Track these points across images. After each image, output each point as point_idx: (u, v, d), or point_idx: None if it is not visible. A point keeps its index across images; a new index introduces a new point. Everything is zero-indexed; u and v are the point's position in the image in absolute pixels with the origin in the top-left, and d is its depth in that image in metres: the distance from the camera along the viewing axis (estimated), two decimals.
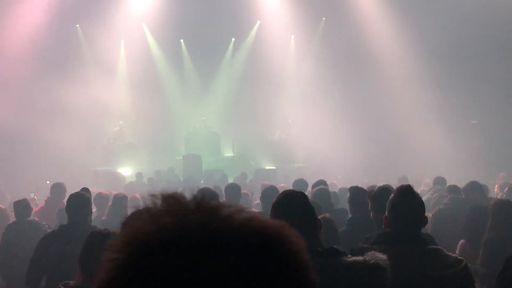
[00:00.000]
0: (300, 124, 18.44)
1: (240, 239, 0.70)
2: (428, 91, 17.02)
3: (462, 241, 5.16)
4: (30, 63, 16.10)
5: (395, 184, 8.56)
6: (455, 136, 16.10)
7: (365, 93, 18.06)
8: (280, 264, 0.70)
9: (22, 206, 5.98)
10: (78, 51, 18.68)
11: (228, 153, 19.36)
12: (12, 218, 6.36)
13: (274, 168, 16.68)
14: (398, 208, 2.85)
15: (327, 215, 4.11)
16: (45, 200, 7.62)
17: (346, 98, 17.67)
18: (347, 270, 2.36)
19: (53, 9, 16.95)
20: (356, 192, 4.78)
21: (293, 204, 2.62)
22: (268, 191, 5.71)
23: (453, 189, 6.43)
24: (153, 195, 0.74)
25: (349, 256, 2.50)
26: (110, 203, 6.51)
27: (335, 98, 17.77)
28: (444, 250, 2.83)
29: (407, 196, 2.87)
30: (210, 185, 7.47)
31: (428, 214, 6.18)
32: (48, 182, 15.23)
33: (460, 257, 2.81)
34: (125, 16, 18.50)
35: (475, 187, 6.68)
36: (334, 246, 2.57)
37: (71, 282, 3.06)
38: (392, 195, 2.93)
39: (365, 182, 8.98)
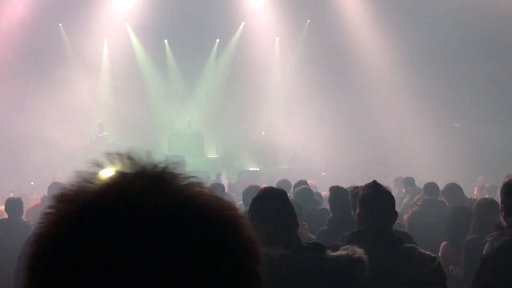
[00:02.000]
0: (285, 126, 18.44)
1: (178, 214, 0.67)
2: (412, 94, 17.11)
3: (444, 242, 5.14)
4: (9, 59, 15.88)
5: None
6: (438, 139, 16.19)
7: (349, 96, 18.11)
8: (211, 251, 0.67)
9: (14, 204, 5.98)
10: (61, 50, 18.46)
11: (212, 155, 19.27)
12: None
13: (259, 169, 16.63)
14: (367, 205, 2.85)
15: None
16: (40, 198, 7.68)
17: (330, 100, 17.68)
18: (333, 263, 2.39)
19: (35, 7, 16.73)
20: (336, 192, 4.77)
21: (272, 200, 2.64)
22: (250, 191, 5.67)
23: (429, 189, 6.39)
24: (120, 155, 0.73)
25: (332, 251, 2.53)
26: None
27: (320, 100, 17.78)
28: (418, 248, 2.81)
29: (375, 191, 2.87)
30: None
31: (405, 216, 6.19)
32: (32, 183, 15.12)
33: (433, 255, 2.81)
34: (108, 15, 18.32)
35: (454, 189, 6.65)
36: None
37: None
38: (360, 191, 2.94)
39: (349, 183, 8.99)
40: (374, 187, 2.91)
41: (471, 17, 16.53)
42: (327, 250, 2.47)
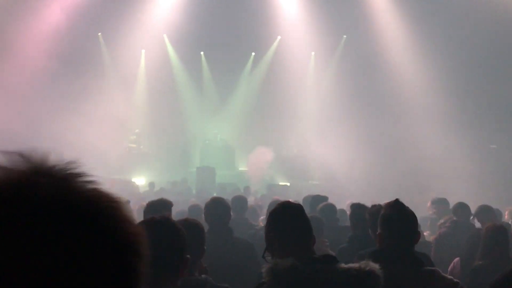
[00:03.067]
0: (317, 142, 18.29)
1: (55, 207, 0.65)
2: (449, 116, 16.77)
3: (457, 258, 4.99)
4: (50, 66, 16.26)
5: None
6: (474, 160, 15.80)
7: (384, 115, 17.87)
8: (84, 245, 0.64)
9: None
10: (99, 59, 18.86)
11: (243, 167, 19.28)
12: None
13: (288, 184, 16.53)
14: (389, 223, 2.77)
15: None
16: None
17: (364, 118, 17.49)
18: (342, 275, 2.37)
19: (75, 16, 17.15)
20: (357, 209, 4.67)
21: (288, 213, 2.66)
22: (273, 205, 5.62)
23: (458, 210, 6.17)
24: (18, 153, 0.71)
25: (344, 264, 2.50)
26: None
27: (354, 117, 17.60)
28: (440, 271, 2.70)
29: (397, 210, 2.79)
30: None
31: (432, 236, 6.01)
32: None
33: (455, 280, 2.69)
34: (147, 26, 18.65)
35: (487, 211, 6.43)
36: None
37: None
38: (382, 210, 2.85)
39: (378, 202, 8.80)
40: (396, 206, 2.83)
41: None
42: (339, 262, 2.46)
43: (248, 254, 4.04)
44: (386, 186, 15.81)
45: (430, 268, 2.76)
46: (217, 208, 4.47)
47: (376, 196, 13.72)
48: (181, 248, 2.30)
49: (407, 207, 2.91)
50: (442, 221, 6.16)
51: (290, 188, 15.33)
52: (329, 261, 2.45)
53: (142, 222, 2.50)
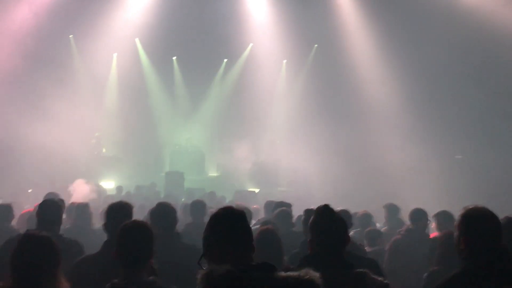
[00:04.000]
0: (286, 148, 18.42)
1: None
2: (414, 126, 17.07)
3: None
4: (18, 67, 16.06)
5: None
6: (439, 169, 16.11)
7: (352, 124, 18.08)
8: None
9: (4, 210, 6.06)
10: (70, 62, 18.69)
11: (213, 173, 19.29)
12: None
13: (256, 190, 16.58)
14: (317, 229, 2.82)
15: (269, 226, 4.09)
16: (35, 206, 7.68)
17: (333, 125, 17.69)
18: (280, 284, 2.30)
19: (46, 17, 16.96)
20: (309, 214, 4.72)
21: (229, 219, 2.57)
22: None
23: (415, 216, 6.26)
24: None
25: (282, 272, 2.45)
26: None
27: (323, 125, 17.79)
28: (370, 273, 2.78)
29: (325, 216, 2.84)
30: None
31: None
32: (30, 190, 15.16)
33: (385, 281, 2.77)
34: (119, 29, 18.56)
35: (447, 217, 6.45)
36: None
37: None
38: (312, 217, 2.90)
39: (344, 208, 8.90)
40: (324, 211, 2.87)
41: (470, 48, 16.56)
42: (278, 271, 2.44)
43: (195, 260, 4.06)
44: (353, 193, 15.99)
45: (361, 270, 2.81)
46: (162, 212, 4.51)
47: (342, 202, 13.89)
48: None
49: (336, 212, 2.93)
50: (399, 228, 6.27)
51: (258, 194, 15.38)
52: (267, 269, 2.36)
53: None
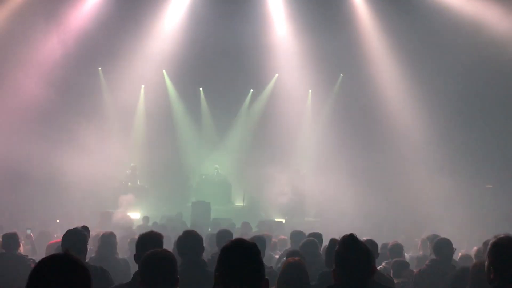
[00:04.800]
0: (313, 178, 18.28)
1: None
2: (444, 154, 16.84)
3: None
4: (48, 99, 16.41)
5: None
6: (468, 200, 15.78)
7: (380, 152, 17.94)
8: None
9: (10, 238, 6.10)
10: (99, 93, 19.08)
11: (239, 203, 19.23)
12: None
13: (283, 220, 16.45)
14: (341, 259, 2.76)
15: (297, 258, 4.03)
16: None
17: (361, 155, 17.55)
18: None
19: (75, 49, 17.41)
20: (334, 244, 4.64)
21: (238, 252, 2.47)
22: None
23: (438, 248, 6.09)
24: None
25: None
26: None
27: (350, 154, 17.67)
28: None
29: (349, 246, 2.78)
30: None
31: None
32: (58, 221, 15.35)
33: None
34: (146, 61, 18.89)
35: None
36: None
37: None
38: (336, 247, 2.85)
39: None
40: (349, 242, 2.82)
41: (501, 78, 16.35)
42: None
43: None
44: (382, 223, 15.77)
45: None
46: (188, 240, 4.50)
47: (372, 233, 13.67)
48: None
49: (361, 242, 2.87)
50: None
51: (285, 225, 15.25)
52: None
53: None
